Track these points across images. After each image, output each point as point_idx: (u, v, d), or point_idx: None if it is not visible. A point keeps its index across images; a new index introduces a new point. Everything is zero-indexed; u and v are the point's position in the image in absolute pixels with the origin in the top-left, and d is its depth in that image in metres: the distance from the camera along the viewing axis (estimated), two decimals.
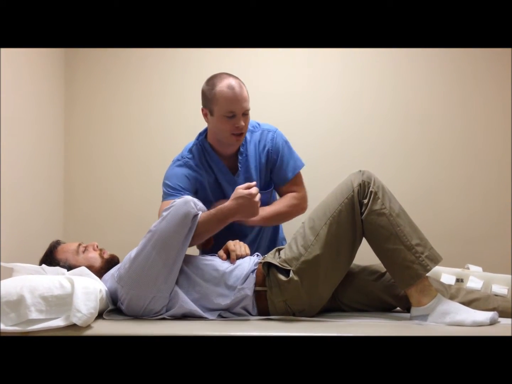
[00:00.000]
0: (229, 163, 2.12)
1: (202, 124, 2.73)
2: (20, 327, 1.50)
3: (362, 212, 1.76)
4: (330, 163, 2.73)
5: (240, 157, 2.12)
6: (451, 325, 1.65)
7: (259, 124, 2.19)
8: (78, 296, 1.51)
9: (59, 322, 1.50)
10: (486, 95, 2.80)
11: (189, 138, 2.54)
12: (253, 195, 1.84)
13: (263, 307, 1.77)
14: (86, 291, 1.53)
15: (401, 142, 2.82)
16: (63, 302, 1.52)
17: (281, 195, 2.19)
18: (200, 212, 1.80)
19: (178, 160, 2.13)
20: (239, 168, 2.11)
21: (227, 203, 1.86)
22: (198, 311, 1.72)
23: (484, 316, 1.66)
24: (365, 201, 1.76)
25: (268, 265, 1.80)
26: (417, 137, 2.81)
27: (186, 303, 1.71)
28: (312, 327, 1.62)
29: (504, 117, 2.79)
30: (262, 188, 2.12)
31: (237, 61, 2.78)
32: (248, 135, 2.14)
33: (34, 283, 1.55)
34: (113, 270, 1.79)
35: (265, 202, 2.13)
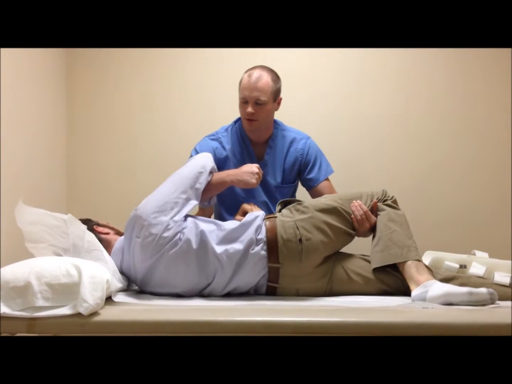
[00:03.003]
0: (257, 151, 2.31)
1: (205, 115, 2.76)
2: (27, 312, 1.51)
3: (382, 200, 1.99)
4: (329, 145, 2.71)
5: (268, 149, 2.30)
6: (449, 293, 1.68)
7: (293, 129, 2.38)
8: (85, 286, 1.51)
9: (65, 311, 1.51)
10: (487, 80, 2.76)
11: (192, 128, 2.72)
12: (256, 166, 2.05)
13: (272, 234, 1.83)
14: (93, 280, 1.53)
15: (401, 125, 2.80)
16: (70, 291, 1.52)
17: (313, 197, 2.30)
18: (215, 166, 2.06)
19: (213, 135, 2.33)
20: (265, 158, 2.29)
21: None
22: (208, 239, 1.80)
23: (482, 289, 1.70)
24: (387, 198, 2.00)
25: (283, 204, 2.00)
26: (418, 121, 2.78)
27: (200, 226, 1.83)
28: (315, 312, 1.65)
29: (506, 102, 2.75)
30: (283, 182, 2.31)
31: (237, 58, 2.75)
32: (280, 134, 2.33)
33: (41, 269, 1.55)
34: None
35: (286, 195, 2.30)
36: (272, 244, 1.82)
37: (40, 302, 1.50)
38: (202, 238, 1.81)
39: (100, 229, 2.00)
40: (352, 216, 1.95)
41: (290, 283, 1.85)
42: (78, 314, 1.51)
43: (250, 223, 1.87)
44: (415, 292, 1.76)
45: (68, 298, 1.52)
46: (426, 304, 1.68)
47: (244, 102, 2.15)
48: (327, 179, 2.33)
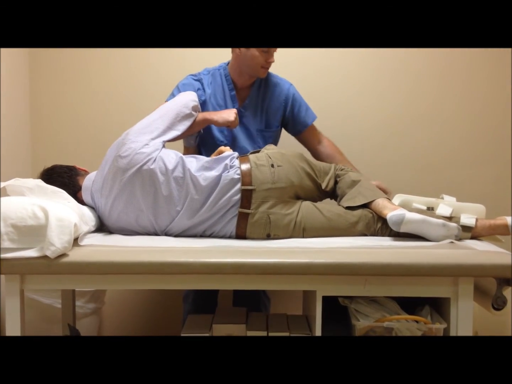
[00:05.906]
0: (239, 96, 2.34)
1: (178, 56, 2.71)
2: None
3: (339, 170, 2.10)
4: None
5: (251, 93, 2.34)
6: (425, 220, 1.76)
7: (275, 75, 2.40)
8: (52, 229, 1.50)
9: (32, 253, 1.51)
10: None
11: (165, 67, 2.67)
12: (234, 110, 2.16)
13: (245, 162, 1.92)
14: (61, 223, 1.52)
15: (372, 68, 2.76)
16: (36, 233, 1.51)
17: (303, 141, 2.44)
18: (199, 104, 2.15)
19: (195, 75, 2.35)
20: (246, 102, 2.34)
21: None
22: (186, 163, 1.86)
23: (453, 224, 1.79)
24: (343, 168, 2.11)
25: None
26: (387, 61, 2.75)
27: (180, 154, 1.92)
28: (283, 253, 1.67)
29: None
30: (265, 127, 2.36)
31: None
32: (263, 78, 2.34)
33: (7, 211, 1.53)
34: None
35: (268, 140, 2.34)
36: (246, 169, 1.89)
37: (6, 244, 1.50)
38: (180, 162, 1.87)
39: (80, 167, 2.09)
40: None
41: (261, 207, 1.86)
42: (45, 256, 1.51)
43: (226, 156, 1.94)
44: (392, 213, 1.80)
45: (35, 240, 1.52)
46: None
47: (265, 51, 2.20)
48: (312, 124, 2.40)
